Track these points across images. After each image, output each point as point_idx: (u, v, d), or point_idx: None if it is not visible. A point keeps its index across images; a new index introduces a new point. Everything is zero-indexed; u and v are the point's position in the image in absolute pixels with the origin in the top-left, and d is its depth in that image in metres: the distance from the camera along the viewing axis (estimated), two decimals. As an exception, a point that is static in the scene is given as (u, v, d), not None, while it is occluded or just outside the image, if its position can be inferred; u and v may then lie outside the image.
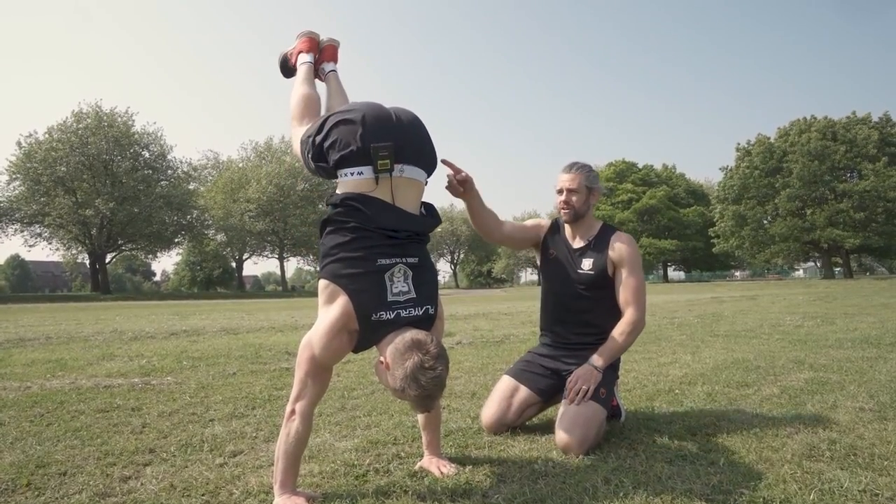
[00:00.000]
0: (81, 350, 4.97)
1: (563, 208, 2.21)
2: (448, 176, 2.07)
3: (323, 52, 2.19)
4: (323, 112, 2.01)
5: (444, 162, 1.99)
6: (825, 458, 1.76)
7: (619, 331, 2.11)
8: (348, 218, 1.58)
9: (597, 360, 2.06)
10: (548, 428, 2.15)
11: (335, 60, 2.21)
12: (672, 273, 55.26)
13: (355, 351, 1.62)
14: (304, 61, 2.13)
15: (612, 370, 2.16)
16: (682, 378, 3.19)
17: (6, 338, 6.01)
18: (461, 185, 2.07)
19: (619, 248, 2.15)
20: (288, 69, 2.24)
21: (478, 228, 2.26)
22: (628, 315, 2.12)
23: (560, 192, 2.20)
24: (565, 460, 1.81)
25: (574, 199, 2.18)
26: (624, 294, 2.14)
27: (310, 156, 1.69)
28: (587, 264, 2.18)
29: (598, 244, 2.19)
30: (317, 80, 2.16)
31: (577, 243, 2.25)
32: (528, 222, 2.41)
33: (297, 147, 1.81)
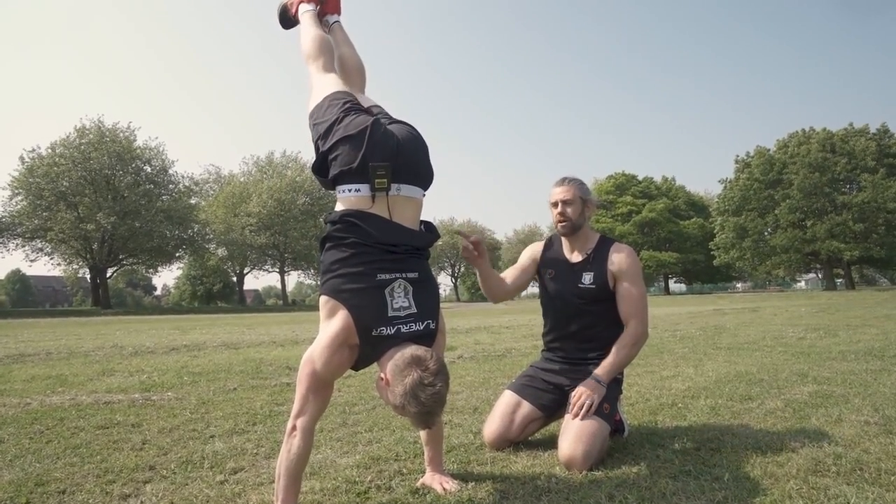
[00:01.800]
0: (82, 365, 4.96)
1: (559, 221, 2.21)
2: (462, 245, 2.12)
3: (326, 3, 2.11)
4: (336, 59, 2.01)
5: (458, 233, 2.07)
6: (831, 473, 1.75)
7: (621, 344, 2.10)
8: (347, 234, 1.59)
9: (600, 373, 2.06)
10: (551, 443, 2.13)
11: (339, 12, 2.14)
12: (673, 285, 55.08)
13: (356, 368, 1.61)
14: (305, 10, 2.06)
15: (615, 384, 2.15)
16: (685, 392, 3.17)
17: (6, 353, 5.99)
18: (475, 248, 2.11)
19: (618, 259, 2.16)
20: (287, 20, 2.17)
21: (487, 293, 2.30)
22: (630, 328, 2.12)
23: (555, 204, 2.21)
24: (568, 476, 1.79)
25: (570, 210, 2.18)
26: (625, 306, 2.14)
27: (313, 163, 1.73)
28: (588, 278, 2.18)
29: (598, 257, 2.20)
30: None
31: (576, 257, 2.25)
32: (523, 256, 2.40)
33: (314, 93, 1.82)
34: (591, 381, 2.04)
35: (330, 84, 1.83)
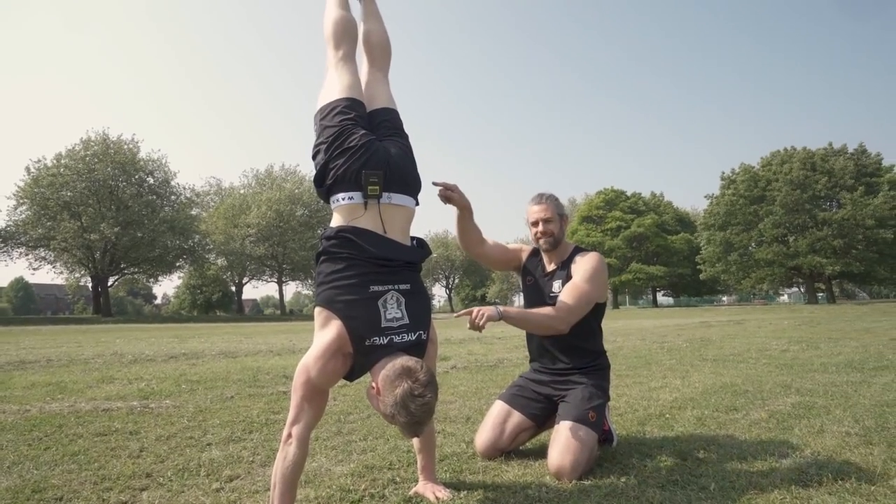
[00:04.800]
0: (81, 373, 4.97)
1: (541, 237, 2.27)
2: (441, 190, 2.15)
3: None
4: (361, 34, 2.00)
5: (434, 184, 2.09)
6: (814, 483, 1.78)
7: (540, 310, 2.05)
8: (342, 249, 1.65)
9: (502, 307, 1.99)
10: (541, 453, 2.16)
11: None
12: (661, 298, 56.07)
13: (350, 378, 1.65)
14: None
15: (601, 392, 2.18)
16: (673, 402, 3.21)
17: (7, 360, 6.01)
18: (447, 196, 2.14)
19: (579, 261, 2.20)
20: None
21: (460, 240, 2.33)
22: (557, 306, 2.04)
23: (536, 223, 2.28)
24: (558, 486, 1.82)
25: (551, 227, 2.26)
26: (564, 292, 2.10)
27: (315, 175, 1.78)
28: (557, 285, 2.24)
29: (566, 265, 2.26)
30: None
31: (550, 267, 2.32)
32: (511, 245, 2.49)
33: (327, 87, 1.85)
34: (491, 307, 1.94)
35: (343, 85, 1.85)
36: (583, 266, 2.17)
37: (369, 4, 2.11)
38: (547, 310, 2.05)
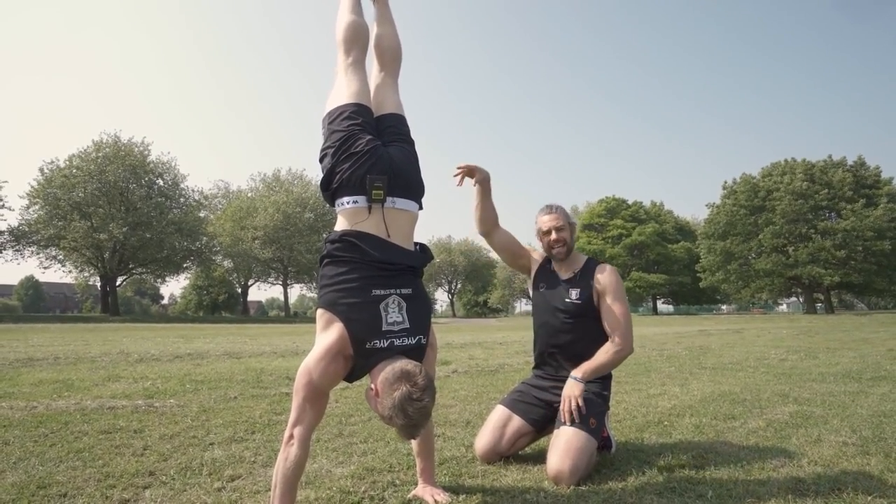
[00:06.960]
0: (88, 371, 5.03)
1: (555, 245, 2.30)
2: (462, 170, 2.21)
3: None
4: (372, 38, 2.02)
5: (458, 167, 2.19)
6: (811, 492, 1.78)
7: (603, 350, 2.16)
8: (345, 252, 1.68)
9: (576, 372, 2.10)
10: (540, 458, 2.17)
11: None
12: (661, 306, 56.39)
13: (350, 380, 1.67)
14: None
15: (602, 400, 2.20)
16: (671, 410, 3.21)
17: (16, 357, 6.10)
18: (470, 170, 2.21)
19: (602, 278, 2.25)
20: None
21: (477, 216, 2.33)
22: (614, 338, 2.18)
23: (548, 232, 2.31)
24: (557, 491, 1.83)
25: (564, 234, 2.30)
26: (609, 320, 2.21)
27: (321, 179, 1.80)
28: (574, 294, 2.27)
29: (584, 275, 2.29)
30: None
31: (565, 275, 2.34)
32: (528, 246, 2.51)
33: (336, 91, 1.88)
34: (570, 382, 2.09)
35: (351, 90, 1.88)
36: (609, 287, 2.22)
37: (382, 8, 2.12)
38: (609, 346, 2.17)
